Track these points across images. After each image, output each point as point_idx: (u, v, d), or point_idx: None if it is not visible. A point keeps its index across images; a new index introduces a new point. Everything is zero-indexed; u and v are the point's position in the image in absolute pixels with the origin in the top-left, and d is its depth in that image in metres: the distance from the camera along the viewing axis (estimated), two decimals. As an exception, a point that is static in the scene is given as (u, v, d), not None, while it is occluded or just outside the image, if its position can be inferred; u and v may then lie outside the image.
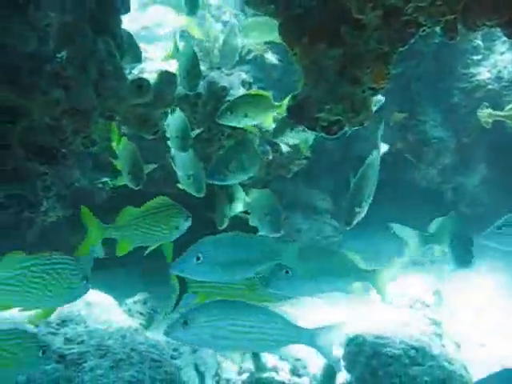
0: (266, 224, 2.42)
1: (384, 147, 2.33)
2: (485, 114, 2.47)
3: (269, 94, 2.43)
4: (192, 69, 2.23)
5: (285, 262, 1.99)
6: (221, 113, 2.38)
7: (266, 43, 3.88)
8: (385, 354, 2.67)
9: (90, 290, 1.93)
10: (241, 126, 2.41)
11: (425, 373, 2.60)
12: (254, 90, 2.40)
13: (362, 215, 2.26)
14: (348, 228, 2.28)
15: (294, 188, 4.66)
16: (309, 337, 1.99)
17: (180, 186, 2.61)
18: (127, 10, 2.11)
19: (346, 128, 2.15)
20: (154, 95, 1.82)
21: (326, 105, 2.06)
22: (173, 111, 2.10)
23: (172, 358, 2.86)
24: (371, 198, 2.27)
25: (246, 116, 2.29)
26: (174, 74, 1.97)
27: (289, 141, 2.74)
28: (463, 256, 2.21)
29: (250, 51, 3.93)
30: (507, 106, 3.82)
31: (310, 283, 1.99)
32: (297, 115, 2.13)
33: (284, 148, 3.44)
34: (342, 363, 2.88)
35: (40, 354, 1.68)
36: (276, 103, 2.40)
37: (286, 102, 2.33)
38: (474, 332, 3.54)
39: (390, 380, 2.62)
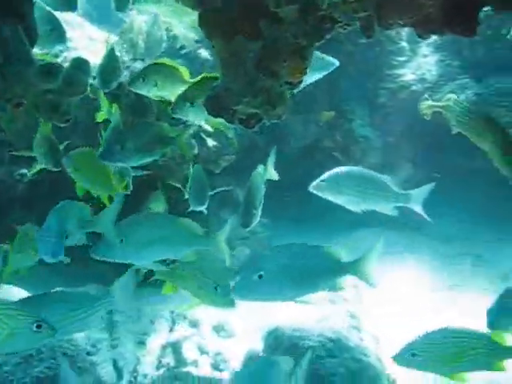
0: (191, 197, 2.40)
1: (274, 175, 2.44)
2: (425, 105, 2.55)
3: (185, 68, 2.36)
4: (108, 66, 2.18)
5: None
6: (132, 80, 2.31)
7: (197, 42, 3.86)
8: (302, 347, 2.71)
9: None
10: (150, 95, 2.34)
11: (340, 364, 2.65)
12: (169, 61, 2.30)
13: (258, 219, 2.32)
14: (246, 229, 2.31)
15: (223, 184, 4.66)
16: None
17: None
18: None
19: (265, 121, 2.16)
20: (65, 82, 1.76)
21: (243, 97, 2.06)
22: None
23: (89, 353, 2.80)
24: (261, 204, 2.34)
25: (155, 85, 2.23)
26: (87, 61, 1.92)
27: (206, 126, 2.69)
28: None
29: (183, 47, 3.90)
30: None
31: (288, 286, 1.85)
32: (215, 107, 2.12)
33: (211, 142, 3.42)
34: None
35: (34, 329, 1.61)
36: (188, 79, 2.33)
37: (198, 79, 2.28)
38: (392, 326, 3.64)
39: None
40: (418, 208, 2.42)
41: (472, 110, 2.31)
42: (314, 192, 2.38)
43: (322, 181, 2.36)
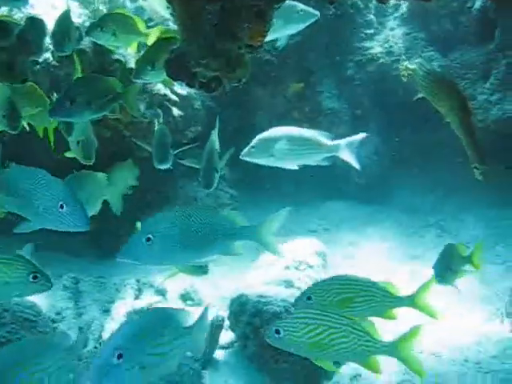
0: (154, 155, 2.41)
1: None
2: (403, 66, 2.59)
3: (140, 19, 2.34)
4: (61, 28, 2.15)
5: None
6: (90, 28, 2.28)
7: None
8: (266, 312, 2.74)
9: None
10: (107, 44, 2.31)
11: (303, 328, 2.69)
12: (125, 11, 2.28)
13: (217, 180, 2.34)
14: (208, 190, 2.32)
15: (191, 155, 4.66)
16: None
17: (69, 154, 2.49)
18: None
19: (225, 85, 2.16)
20: (20, 40, 1.73)
21: (202, 60, 2.05)
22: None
23: (54, 321, 2.81)
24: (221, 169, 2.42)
25: (114, 35, 2.21)
26: (42, 21, 1.88)
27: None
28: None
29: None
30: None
31: (180, 250, 1.78)
32: (174, 70, 2.11)
33: (176, 112, 3.41)
34: (227, 323, 2.95)
35: (30, 279, 1.61)
36: (146, 31, 2.31)
37: (155, 30, 2.26)
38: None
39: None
40: (346, 157, 2.48)
41: (433, 74, 2.35)
42: (247, 159, 2.40)
43: (253, 147, 2.38)
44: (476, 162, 2.28)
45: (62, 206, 1.64)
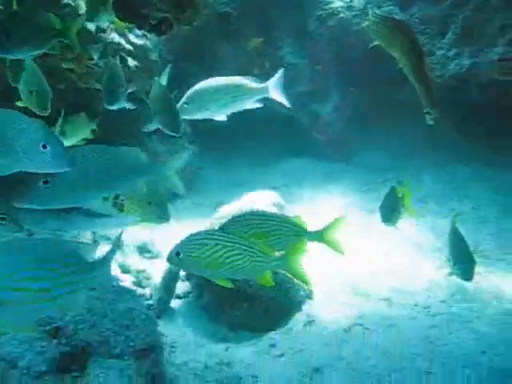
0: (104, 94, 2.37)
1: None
2: (367, 18, 2.60)
3: None
4: None
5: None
6: None
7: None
8: (222, 260, 2.76)
9: None
10: None
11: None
12: None
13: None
14: (177, 135, 2.31)
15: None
16: None
17: (20, 103, 2.42)
18: None
19: (175, 27, 2.12)
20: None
21: (151, 0, 2.01)
22: None
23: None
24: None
25: None
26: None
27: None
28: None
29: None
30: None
31: (81, 190, 1.74)
32: (122, 11, 2.06)
33: (131, 62, 3.34)
34: (182, 273, 2.96)
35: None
36: None
37: None
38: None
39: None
40: (276, 96, 2.52)
41: (385, 19, 2.36)
42: (184, 117, 2.39)
43: (186, 103, 2.37)
44: (428, 107, 2.31)
45: (44, 147, 1.56)
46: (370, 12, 2.48)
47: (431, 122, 2.31)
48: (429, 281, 3.12)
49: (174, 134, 2.30)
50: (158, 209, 2.29)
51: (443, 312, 2.74)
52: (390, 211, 2.46)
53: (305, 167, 5.27)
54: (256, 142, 5.28)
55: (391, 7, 4.54)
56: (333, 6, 4.77)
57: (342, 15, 4.74)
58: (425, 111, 2.33)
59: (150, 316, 2.15)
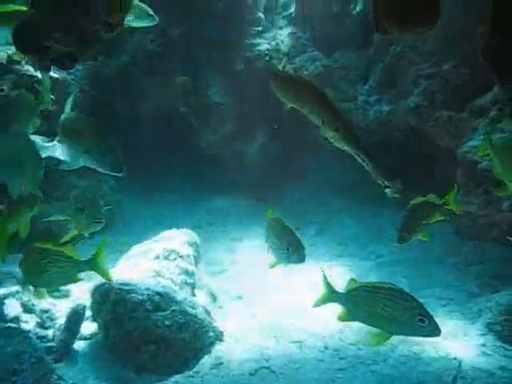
0: None
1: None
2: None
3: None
4: None
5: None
6: None
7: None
8: (129, 301, 2.68)
9: None
10: None
11: (167, 317, 2.66)
12: None
13: None
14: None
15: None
16: None
17: None
18: None
19: (79, 62, 2.09)
20: None
21: (54, 33, 1.98)
22: None
23: None
24: None
25: None
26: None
27: None
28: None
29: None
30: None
31: None
32: (23, 43, 2.01)
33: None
34: (89, 313, 2.85)
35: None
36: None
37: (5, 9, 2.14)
38: (233, 285, 3.73)
39: (133, 325, 2.64)
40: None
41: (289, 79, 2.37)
42: None
43: None
44: (382, 179, 2.21)
45: None
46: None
47: (395, 195, 2.24)
48: (342, 323, 3.12)
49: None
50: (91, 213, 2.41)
51: (351, 355, 2.74)
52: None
53: (229, 205, 5.25)
54: (180, 179, 5.26)
55: (316, 52, 4.66)
56: (260, 48, 4.86)
57: (268, 58, 4.83)
58: (383, 186, 2.25)
59: (42, 359, 2.04)
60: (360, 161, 2.25)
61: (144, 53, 4.67)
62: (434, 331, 1.83)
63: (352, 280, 1.96)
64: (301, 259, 2.22)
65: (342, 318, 1.98)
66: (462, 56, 3.89)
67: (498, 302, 3.10)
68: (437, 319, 3.23)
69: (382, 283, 1.88)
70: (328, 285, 2.03)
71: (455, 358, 2.72)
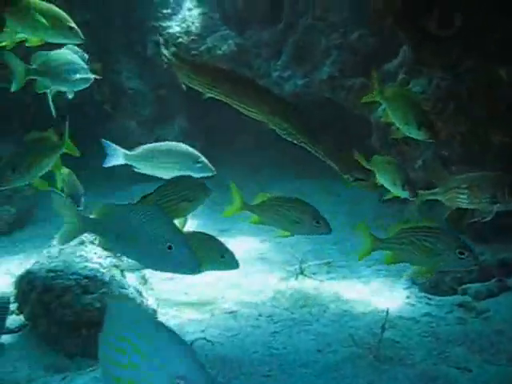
0: None
1: None
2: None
3: None
4: None
5: None
6: None
7: None
8: (57, 287, 2.61)
9: None
10: None
11: (96, 300, 2.61)
12: None
13: None
14: None
15: None
16: None
17: None
18: None
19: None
20: None
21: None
22: None
23: None
24: None
25: None
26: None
27: None
28: None
29: None
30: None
31: None
32: None
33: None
34: (13, 306, 2.76)
35: None
36: None
37: None
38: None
39: (63, 311, 2.58)
40: None
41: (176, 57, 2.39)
42: None
43: None
44: (344, 172, 2.25)
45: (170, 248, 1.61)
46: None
47: (355, 183, 2.27)
48: (274, 291, 3.18)
49: None
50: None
51: (284, 318, 2.79)
52: None
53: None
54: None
55: (227, 31, 4.68)
56: (170, 31, 4.82)
57: (180, 40, 4.80)
58: (345, 177, 2.28)
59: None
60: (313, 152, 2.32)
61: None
62: (325, 229, 2.14)
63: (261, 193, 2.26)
64: None
65: (254, 221, 2.30)
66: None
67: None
68: (364, 279, 3.40)
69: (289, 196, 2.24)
70: (238, 195, 2.26)
71: (383, 311, 2.83)
